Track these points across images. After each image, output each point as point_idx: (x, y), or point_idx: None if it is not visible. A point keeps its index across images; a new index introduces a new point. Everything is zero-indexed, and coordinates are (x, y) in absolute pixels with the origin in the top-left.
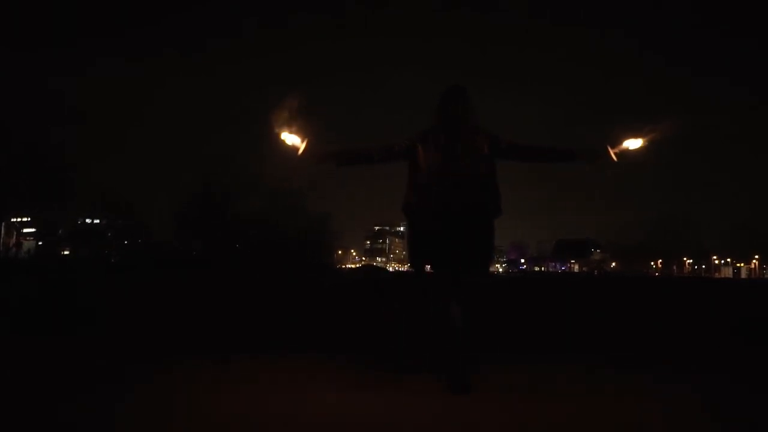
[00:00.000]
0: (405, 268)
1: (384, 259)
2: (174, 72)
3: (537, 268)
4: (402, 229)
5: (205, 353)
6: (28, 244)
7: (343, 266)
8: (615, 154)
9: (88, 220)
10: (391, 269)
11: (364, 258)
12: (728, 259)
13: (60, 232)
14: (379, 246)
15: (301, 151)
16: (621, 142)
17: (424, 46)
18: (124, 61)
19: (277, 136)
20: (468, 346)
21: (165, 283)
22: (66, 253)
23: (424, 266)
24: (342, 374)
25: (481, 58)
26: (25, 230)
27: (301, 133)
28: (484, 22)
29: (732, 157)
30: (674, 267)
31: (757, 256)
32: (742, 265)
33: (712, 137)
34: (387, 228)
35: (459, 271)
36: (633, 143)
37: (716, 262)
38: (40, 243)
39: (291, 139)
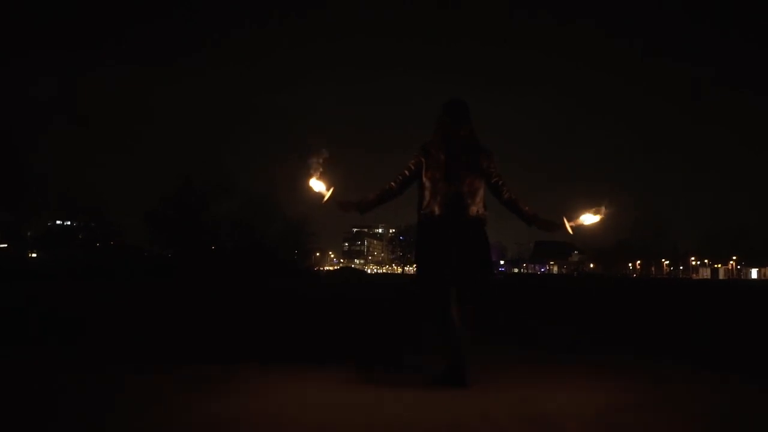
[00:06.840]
0: (384, 270)
1: (362, 262)
2: (165, 76)
3: (516, 270)
4: (380, 230)
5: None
6: None
7: (321, 269)
8: (571, 227)
9: (58, 222)
10: (369, 271)
11: (342, 260)
12: (706, 261)
13: (29, 234)
14: (358, 248)
15: (326, 198)
16: (578, 217)
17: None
18: (114, 64)
19: (305, 181)
20: (468, 344)
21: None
22: (34, 255)
23: (429, 280)
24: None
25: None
26: None
27: (328, 181)
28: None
29: (706, 159)
30: (652, 268)
31: (734, 257)
32: (719, 266)
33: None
34: (365, 230)
35: (460, 287)
36: (588, 219)
37: (694, 263)
38: (4, 246)
39: (318, 186)
